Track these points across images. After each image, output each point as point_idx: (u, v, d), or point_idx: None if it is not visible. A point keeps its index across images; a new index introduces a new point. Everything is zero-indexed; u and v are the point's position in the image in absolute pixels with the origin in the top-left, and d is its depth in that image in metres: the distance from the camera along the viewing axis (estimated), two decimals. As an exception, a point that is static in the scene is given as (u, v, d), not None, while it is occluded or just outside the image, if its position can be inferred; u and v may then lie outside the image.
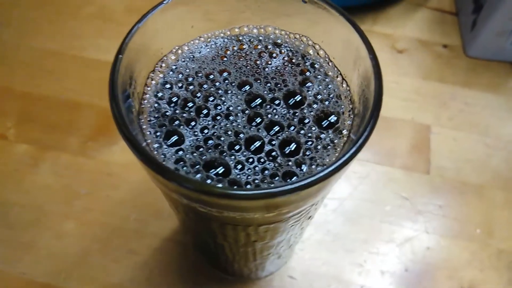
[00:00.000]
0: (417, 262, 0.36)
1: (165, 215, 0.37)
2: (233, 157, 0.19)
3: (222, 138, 0.19)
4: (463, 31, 0.49)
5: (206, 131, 0.20)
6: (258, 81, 0.21)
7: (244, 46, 0.22)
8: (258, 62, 0.22)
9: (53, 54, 0.46)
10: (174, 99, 0.21)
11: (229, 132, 0.20)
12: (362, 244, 0.37)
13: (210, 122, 0.20)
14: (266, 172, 0.19)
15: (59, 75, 0.45)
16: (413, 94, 0.45)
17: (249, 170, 0.19)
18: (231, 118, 0.20)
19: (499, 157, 0.42)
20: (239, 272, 0.32)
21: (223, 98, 0.21)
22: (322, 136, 0.20)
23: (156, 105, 0.21)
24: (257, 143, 0.19)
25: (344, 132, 0.20)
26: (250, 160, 0.19)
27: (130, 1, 0.49)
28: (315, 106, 0.21)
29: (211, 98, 0.21)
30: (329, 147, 0.19)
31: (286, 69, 0.22)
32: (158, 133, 0.20)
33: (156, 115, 0.20)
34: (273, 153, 0.19)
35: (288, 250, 0.29)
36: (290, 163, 0.19)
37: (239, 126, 0.20)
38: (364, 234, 0.38)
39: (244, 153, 0.19)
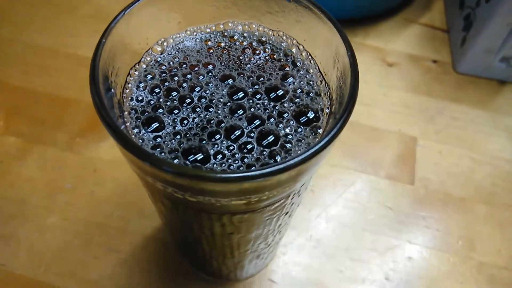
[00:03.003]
0: (398, 271, 0.36)
1: (148, 213, 0.37)
2: (216, 146, 0.19)
3: (202, 127, 0.20)
4: (453, 48, 0.50)
5: (185, 121, 0.20)
6: (241, 75, 0.22)
7: (228, 42, 0.23)
8: (241, 57, 0.22)
9: (46, 51, 0.47)
10: (157, 89, 0.21)
11: (212, 122, 0.20)
12: (343, 251, 0.37)
13: (191, 112, 0.20)
14: (245, 160, 0.19)
15: (52, 71, 0.45)
16: (401, 107, 0.46)
17: (228, 160, 0.19)
18: (211, 109, 0.20)
19: (483, 172, 0.42)
20: (218, 271, 0.32)
21: (207, 92, 0.21)
22: (299, 130, 0.20)
23: (138, 93, 0.21)
24: (237, 132, 0.20)
25: (320, 130, 0.20)
26: (231, 148, 0.19)
27: (126, 3, 0.50)
28: (294, 101, 0.21)
29: (194, 89, 0.21)
30: (304, 141, 0.20)
31: (268, 64, 0.22)
32: (138, 120, 0.20)
33: (138, 103, 0.21)
34: (251, 145, 0.19)
35: (267, 250, 0.29)
36: (265, 153, 0.19)
37: (219, 116, 0.20)
38: (346, 241, 0.38)
39: (223, 142, 0.19)
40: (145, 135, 0.19)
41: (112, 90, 0.19)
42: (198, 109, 0.20)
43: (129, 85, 0.21)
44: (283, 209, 0.21)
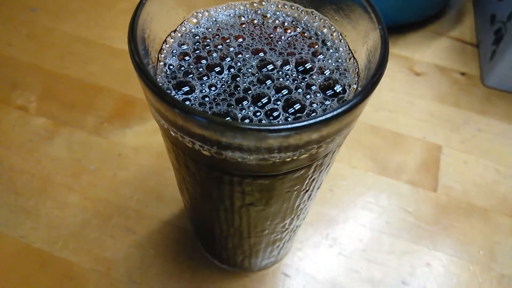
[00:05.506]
0: (415, 276, 0.36)
1: (167, 199, 0.38)
2: (243, 110, 0.20)
3: (230, 93, 0.20)
4: (482, 61, 0.50)
5: (213, 88, 0.21)
6: (272, 50, 0.22)
7: (261, 19, 0.24)
8: (272, 35, 0.23)
9: (82, 41, 0.49)
10: (188, 57, 0.22)
11: (239, 88, 0.20)
12: (360, 251, 0.37)
13: (220, 79, 0.21)
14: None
15: (86, 60, 0.47)
16: (427, 115, 0.46)
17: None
18: (238, 79, 0.21)
19: (508, 184, 0.41)
20: (233, 257, 0.32)
21: (237, 63, 0.22)
22: (326, 102, 0.20)
23: (171, 59, 0.22)
24: (264, 100, 0.20)
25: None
26: (257, 114, 0.19)
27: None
28: (323, 75, 0.21)
29: (225, 59, 0.22)
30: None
31: (298, 42, 0.23)
32: (169, 83, 0.21)
33: (170, 68, 0.21)
34: (277, 112, 0.20)
35: (284, 236, 0.29)
36: (290, 119, 0.19)
37: (248, 84, 0.21)
38: (363, 242, 0.37)
39: (250, 108, 0.20)
40: (175, 97, 0.20)
41: (148, 52, 0.20)
42: (227, 77, 0.21)
43: (164, 51, 0.22)
44: (304, 182, 0.22)
